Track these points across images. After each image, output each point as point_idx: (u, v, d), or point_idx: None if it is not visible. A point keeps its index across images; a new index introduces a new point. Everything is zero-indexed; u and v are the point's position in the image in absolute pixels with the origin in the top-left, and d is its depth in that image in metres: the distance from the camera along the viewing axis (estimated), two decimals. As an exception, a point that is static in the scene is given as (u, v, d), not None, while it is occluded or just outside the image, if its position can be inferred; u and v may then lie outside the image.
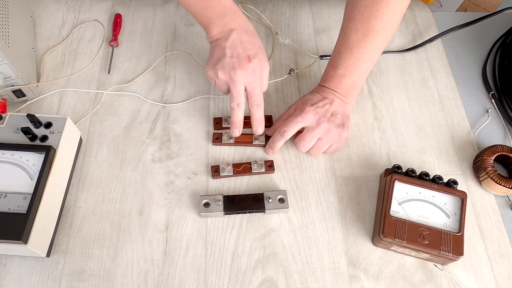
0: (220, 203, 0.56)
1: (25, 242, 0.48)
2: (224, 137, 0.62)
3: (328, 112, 0.59)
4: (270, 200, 0.57)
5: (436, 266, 0.55)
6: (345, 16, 0.59)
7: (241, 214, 0.57)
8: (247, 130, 0.64)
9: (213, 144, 0.63)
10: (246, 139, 0.63)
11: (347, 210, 0.59)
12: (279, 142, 0.60)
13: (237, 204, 0.57)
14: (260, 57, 0.57)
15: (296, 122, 0.59)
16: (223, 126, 0.64)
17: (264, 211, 0.57)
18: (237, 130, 0.60)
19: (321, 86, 0.62)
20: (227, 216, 0.57)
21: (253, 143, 0.63)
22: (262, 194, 0.57)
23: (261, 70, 0.57)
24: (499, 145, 0.62)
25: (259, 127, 0.60)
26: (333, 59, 0.61)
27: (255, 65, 0.56)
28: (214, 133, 0.63)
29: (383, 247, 0.56)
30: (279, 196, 0.57)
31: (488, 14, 0.78)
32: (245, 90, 0.57)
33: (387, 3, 0.54)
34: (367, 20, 0.55)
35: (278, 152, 0.63)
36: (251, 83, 0.57)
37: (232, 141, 0.62)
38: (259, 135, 0.63)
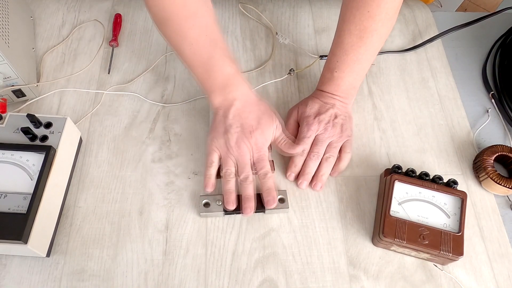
0: (220, 203, 0.56)
1: (25, 242, 0.48)
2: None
3: (331, 117, 0.60)
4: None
5: (436, 266, 0.55)
6: (340, 18, 0.59)
7: (241, 214, 0.57)
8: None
9: None
10: None
11: (347, 210, 0.59)
12: (301, 161, 0.60)
13: (237, 204, 0.56)
14: (263, 127, 0.56)
15: (308, 137, 0.59)
16: (223, 126, 0.64)
17: (264, 211, 0.57)
18: (249, 208, 0.56)
19: (320, 91, 0.63)
20: (227, 216, 0.57)
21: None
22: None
23: (265, 139, 0.57)
24: (499, 145, 0.62)
25: (269, 197, 0.55)
26: (329, 62, 0.61)
27: (258, 136, 0.56)
28: None
29: (383, 247, 0.56)
30: (279, 196, 0.57)
31: (488, 14, 0.78)
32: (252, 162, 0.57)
33: (378, 4, 0.54)
34: (360, 22, 0.55)
35: (278, 152, 0.63)
36: (255, 154, 0.56)
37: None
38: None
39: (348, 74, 0.59)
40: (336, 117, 0.60)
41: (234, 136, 0.55)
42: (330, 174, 0.60)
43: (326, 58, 0.62)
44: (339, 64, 0.59)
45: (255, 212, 0.57)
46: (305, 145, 0.59)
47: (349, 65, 0.59)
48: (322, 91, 0.62)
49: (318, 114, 0.60)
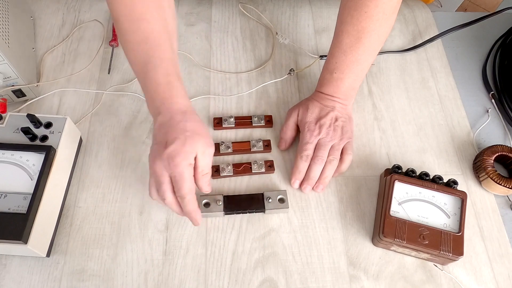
0: (220, 203, 0.56)
1: (25, 242, 0.48)
2: (222, 147, 0.62)
3: (332, 120, 0.60)
4: (270, 200, 0.57)
5: (436, 266, 0.55)
6: (337, 18, 0.59)
7: (241, 214, 0.57)
8: (246, 135, 0.64)
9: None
10: (244, 147, 0.63)
11: (347, 210, 0.59)
12: (305, 167, 0.59)
13: (237, 204, 0.57)
14: (179, 142, 0.47)
15: (311, 143, 0.59)
16: (223, 126, 0.64)
17: (264, 211, 0.57)
18: (199, 218, 0.51)
19: (319, 93, 0.62)
20: (227, 216, 0.57)
21: (251, 150, 0.63)
22: (262, 194, 0.57)
23: (182, 157, 0.47)
24: (499, 145, 0.62)
25: (191, 219, 0.51)
26: (328, 63, 0.61)
27: (171, 151, 0.47)
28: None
29: (383, 247, 0.56)
30: (279, 196, 0.57)
31: (488, 14, 0.78)
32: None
33: (376, 4, 0.53)
34: (357, 22, 0.55)
35: (278, 152, 0.63)
36: (172, 173, 0.48)
37: (230, 150, 0.62)
38: (256, 142, 0.63)
39: (348, 75, 0.59)
40: (336, 119, 0.60)
41: (151, 151, 0.50)
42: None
43: (325, 59, 0.62)
44: (338, 65, 0.59)
45: (255, 212, 0.57)
46: (308, 151, 0.59)
47: (348, 66, 0.58)
48: (322, 92, 0.62)
49: (319, 118, 0.60)
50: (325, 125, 0.59)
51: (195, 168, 0.49)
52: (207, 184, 0.51)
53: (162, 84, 0.50)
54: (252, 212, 0.57)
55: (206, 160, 0.50)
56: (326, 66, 0.61)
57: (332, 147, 0.59)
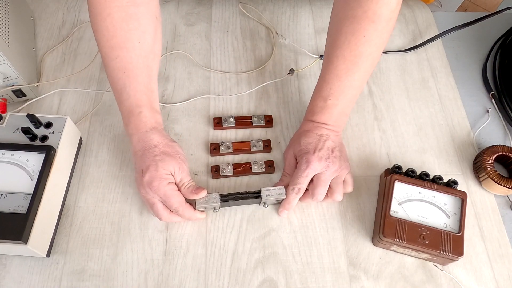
0: (216, 196, 0.55)
1: (25, 242, 0.48)
2: (222, 147, 0.62)
3: (329, 151, 0.56)
4: (267, 195, 0.56)
5: (436, 266, 0.55)
6: (329, 43, 0.56)
7: (238, 205, 0.57)
8: (246, 135, 0.64)
9: (211, 156, 0.62)
10: (244, 147, 0.63)
11: (347, 210, 0.59)
12: (295, 200, 0.56)
13: (234, 197, 0.56)
14: (152, 169, 0.51)
15: (306, 176, 0.55)
16: (223, 126, 0.64)
17: (260, 198, 0.56)
18: (198, 218, 0.56)
19: (312, 122, 0.58)
20: (227, 216, 0.57)
21: (251, 150, 0.62)
22: (259, 190, 0.56)
23: (158, 181, 0.51)
24: (499, 145, 0.62)
25: (194, 221, 0.57)
26: (321, 90, 0.57)
27: (148, 179, 0.51)
28: (210, 144, 0.62)
29: (383, 247, 0.56)
30: (277, 190, 0.56)
31: (488, 14, 0.78)
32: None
33: (375, 29, 0.52)
34: (355, 47, 0.53)
35: (278, 153, 0.63)
36: (157, 196, 0.53)
37: (230, 150, 0.62)
38: (256, 142, 0.63)
39: (342, 101, 0.57)
40: (333, 150, 0.56)
41: (136, 180, 0.54)
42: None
43: (315, 87, 0.59)
44: (333, 92, 0.56)
45: (252, 201, 0.57)
46: (301, 185, 0.55)
47: (343, 91, 0.56)
48: (314, 121, 0.58)
49: (316, 149, 0.55)
50: (324, 157, 0.55)
51: (176, 183, 0.54)
52: (192, 192, 0.54)
53: (134, 114, 0.53)
54: (249, 201, 0.57)
55: (183, 175, 0.54)
56: (318, 93, 0.58)
57: (334, 180, 0.56)
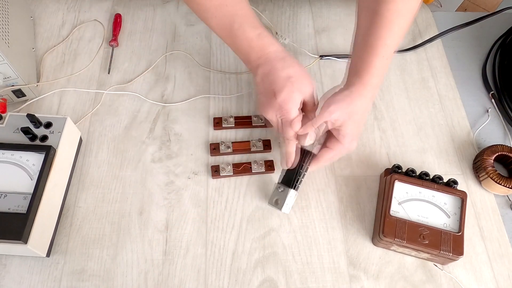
0: (287, 189, 0.55)
1: (25, 242, 0.48)
2: (222, 147, 0.62)
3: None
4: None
5: (436, 266, 0.55)
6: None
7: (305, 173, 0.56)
8: (246, 135, 0.64)
9: (211, 155, 0.62)
10: (244, 147, 0.63)
11: (347, 210, 0.59)
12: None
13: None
14: (287, 89, 0.52)
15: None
16: (223, 126, 0.64)
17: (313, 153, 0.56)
18: (290, 161, 0.56)
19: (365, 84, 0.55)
20: (227, 216, 0.57)
21: (251, 149, 0.62)
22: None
23: (292, 103, 0.52)
24: (499, 145, 0.62)
25: (283, 161, 0.57)
26: (374, 46, 0.53)
27: (281, 100, 0.52)
28: (210, 144, 0.62)
29: (383, 247, 0.56)
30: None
31: (488, 14, 0.78)
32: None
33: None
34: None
35: (278, 152, 0.63)
36: (283, 117, 0.53)
37: (230, 150, 0.62)
38: (256, 141, 0.63)
39: (390, 59, 0.55)
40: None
41: (261, 102, 0.55)
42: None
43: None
44: (389, 48, 0.54)
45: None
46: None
47: (395, 46, 0.55)
48: (367, 83, 0.56)
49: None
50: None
51: (306, 106, 0.54)
52: (302, 125, 0.54)
53: (254, 39, 0.53)
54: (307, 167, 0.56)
55: (313, 98, 0.54)
56: (372, 49, 0.53)
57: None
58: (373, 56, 0.53)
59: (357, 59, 0.55)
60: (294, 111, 0.52)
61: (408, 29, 0.54)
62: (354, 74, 0.54)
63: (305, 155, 0.56)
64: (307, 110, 0.55)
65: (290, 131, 0.53)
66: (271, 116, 0.54)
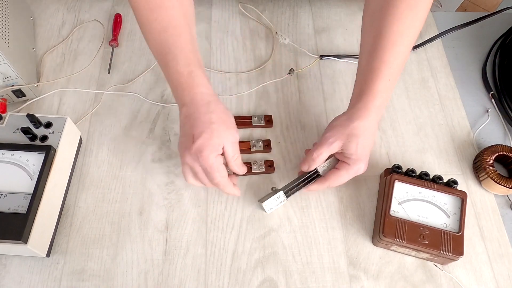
0: (281, 195, 0.55)
1: (25, 242, 0.48)
2: None
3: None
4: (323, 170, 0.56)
5: (436, 266, 0.55)
6: (380, 17, 0.52)
7: (302, 188, 0.56)
8: (246, 135, 0.64)
9: None
10: (244, 147, 0.62)
11: (347, 210, 0.59)
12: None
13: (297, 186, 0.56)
14: (205, 135, 0.48)
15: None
16: (223, 126, 0.64)
17: (318, 175, 0.56)
18: (236, 194, 0.55)
19: (369, 109, 0.53)
20: (227, 216, 0.57)
21: (251, 150, 0.62)
22: (316, 170, 0.56)
23: (210, 150, 0.49)
24: (499, 145, 0.62)
25: (233, 195, 0.55)
26: (378, 70, 0.51)
27: (199, 146, 0.48)
28: None
29: (383, 247, 0.56)
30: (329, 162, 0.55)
31: (488, 14, 0.78)
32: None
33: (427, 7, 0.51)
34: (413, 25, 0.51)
35: (278, 152, 0.63)
36: (202, 165, 0.50)
37: None
38: (256, 142, 0.63)
39: (394, 83, 0.55)
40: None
41: (180, 143, 0.52)
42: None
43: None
44: (393, 71, 0.52)
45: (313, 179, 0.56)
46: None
47: (400, 70, 0.54)
48: (370, 108, 0.54)
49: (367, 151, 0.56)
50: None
51: (225, 156, 0.51)
52: (240, 166, 0.54)
53: (184, 74, 0.50)
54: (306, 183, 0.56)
55: (234, 147, 0.52)
56: (377, 73, 0.52)
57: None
58: (377, 79, 0.51)
59: (361, 83, 0.53)
60: (211, 159, 0.49)
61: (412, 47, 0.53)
62: (357, 97, 0.53)
63: (313, 173, 0.56)
64: (227, 159, 0.52)
65: (216, 176, 0.50)
66: (188, 160, 0.50)
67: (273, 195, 0.55)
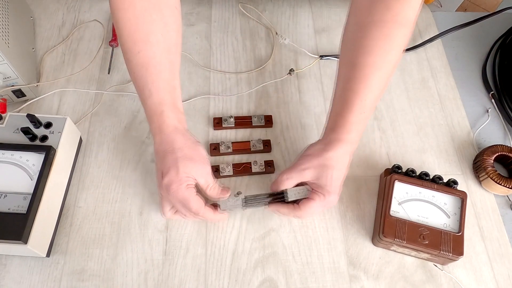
0: (239, 200, 0.54)
1: (25, 242, 0.48)
2: (222, 147, 0.62)
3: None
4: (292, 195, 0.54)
5: (436, 266, 0.55)
6: (353, 49, 0.51)
7: (260, 205, 0.55)
8: (246, 135, 0.64)
9: (211, 156, 0.62)
10: (244, 147, 0.62)
11: (347, 210, 0.59)
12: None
13: (258, 200, 0.54)
14: (172, 172, 0.49)
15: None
16: (223, 126, 0.64)
17: (284, 198, 0.54)
18: (221, 220, 0.56)
19: (342, 141, 0.53)
20: (227, 215, 0.57)
21: (251, 150, 0.62)
22: (282, 192, 0.54)
23: (177, 184, 0.49)
24: (499, 145, 0.62)
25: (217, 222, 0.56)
26: (351, 103, 0.51)
27: (167, 182, 0.50)
28: (210, 144, 0.62)
29: (383, 247, 0.56)
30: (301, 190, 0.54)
31: (488, 14, 0.78)
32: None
33: (404, 34, 0.49)
34: (385, 54, 0.49)
35: (278, 152, 0.63)
36: (175, 199, 0.51)
37: (230, 150, 0.62)
38: (256, 142, 0.63)
39: (370, 114, 0.54)
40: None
41: (157, 177, 0.52)
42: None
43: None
44: (367, 104, 0.51)
45: (276, 200, 0.54)
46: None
47: (374, 103, 0.53)
48: (344, 141, 0.53)
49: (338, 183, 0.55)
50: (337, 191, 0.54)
51: (200, 188, 0.52)
52: (217, 193, 0.53)
53: (157, 113, 0.51)
54: (272, 201, 0.54)
55: (206, 178, 0.52)
56: (349, 106, 0.51)
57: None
58: (350, 112, 0.51)
59: (335, 114, 0.53)
60: (181, 192, 0.49)
61: (390, 79, 0.52)
62: (330, 129, 0.53)
63: (279, 194, 0.54)
64: (202, 191, 0.52)
65: (192, 206, 0.50)
66: (163, 194, 0.52)
67: (233, 198, 0.54)
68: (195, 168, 0.51)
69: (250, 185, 0.60)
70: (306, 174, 0.52)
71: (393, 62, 0.50)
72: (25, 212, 0.48)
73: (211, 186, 0.52)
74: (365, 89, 0.50)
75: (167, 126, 0.51)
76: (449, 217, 0.54)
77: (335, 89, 0.54)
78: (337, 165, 0.51)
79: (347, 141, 0.51)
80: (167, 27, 0.51)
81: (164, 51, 0.51)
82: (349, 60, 0.51)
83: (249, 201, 0.54)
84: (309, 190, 0.53)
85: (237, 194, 0.55)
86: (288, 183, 0.53)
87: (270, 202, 0.54)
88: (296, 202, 0.54)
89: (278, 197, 0.54)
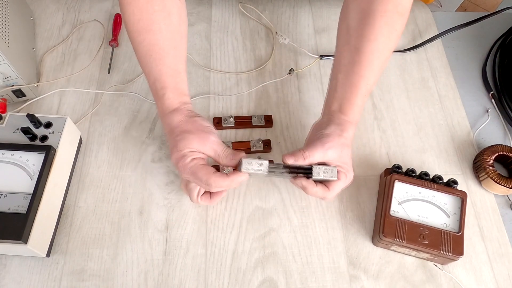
0: (261, 160, 0.49)
1: (25, 242, 0.48)
2: None
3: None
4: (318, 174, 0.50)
5: (436, 266, 0.55)
6: (357, 36, 0.53)
7: (286, 174, 0.51)
8: (246, 135, 0.64)
9: None
10: (244, 147, 0.62)
11: (347, 210, 0.59)
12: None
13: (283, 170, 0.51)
14: (174, 150, 0.51)
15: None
16: (223, 126, 0.64)
17: (311, 175, 0.50)
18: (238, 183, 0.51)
19: (347, 122, 0.55)
20: (227, 216, 0.57)
21: (251, 149, 0.62)
22: (311, 167, 0.50)
23: (182, 161, 0.50)
24: (499, 145, 0.62)
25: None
26: (356, 85, 0.54)
27: (173, 160, 0.51)
28: None
29: (383, 247, 0.56)
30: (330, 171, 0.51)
31: (488, 14, 0.78)
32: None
33: (402, 23, 0.53)
34: (389, 41, 0.53)
35: (278, 152, 0.63)
36: (185, 173, 0.51)
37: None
38: (256, 142, 0.63)
39: (367, 97, 0.57)
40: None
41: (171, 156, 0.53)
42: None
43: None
44: (369, 87, 0.55)
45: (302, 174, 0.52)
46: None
47: (373, 86, 0.56)
48: (348, 121, 0.55)
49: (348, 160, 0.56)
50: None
51: (212, 158, 0.52)
52: (231, 160, 0.51)
53: (159, 97, 0.54)
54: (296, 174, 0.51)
55: (212, 147, 0.51)
56: (354, 88, 0.54)
57: None
58: (357, 95, 0.54)
59: (341, 97, 0.55)
60: (188, 165, 0.49)
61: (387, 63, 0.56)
62: (338, 111, 0.54)
63: (306, 169, 0.51)
64: (215, 160, 0.52)
65: (202, 176, 0.49)
66: (180, 175, 0.53)
67: (256, 160, 0.49)
68: (195, 140, 0.51)
69: (250, 185, 0.60)
70: (330, 153, 0.51)
71: (392, 48, 0.54)
72: (25, 212, 0.49)
73: (222, 154, 0.51)
74: (370, 73, 0.53)
75: (167, 108, 0.53)
76: (449, 217, 0.54)
77: (335, 73, 0.56)
78: (350, 144, 0.54)
79: (354, 122, 0.55)
80: (170, 16, 0.53)
81: (167, 38, 0.53)
82: (354, 46, 0.54)
83: (273, 169, 0.49)
84: (335, 172, 0.50)
85: (259, 158, 0.52)
86: (309, 159, 0.51)
87: (295, 177, 0.51)
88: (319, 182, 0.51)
89: (302, 171, 0.50)
